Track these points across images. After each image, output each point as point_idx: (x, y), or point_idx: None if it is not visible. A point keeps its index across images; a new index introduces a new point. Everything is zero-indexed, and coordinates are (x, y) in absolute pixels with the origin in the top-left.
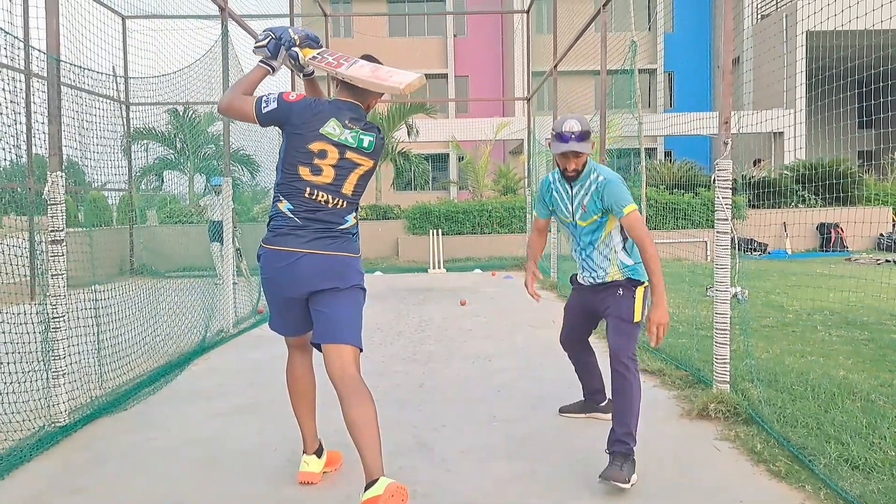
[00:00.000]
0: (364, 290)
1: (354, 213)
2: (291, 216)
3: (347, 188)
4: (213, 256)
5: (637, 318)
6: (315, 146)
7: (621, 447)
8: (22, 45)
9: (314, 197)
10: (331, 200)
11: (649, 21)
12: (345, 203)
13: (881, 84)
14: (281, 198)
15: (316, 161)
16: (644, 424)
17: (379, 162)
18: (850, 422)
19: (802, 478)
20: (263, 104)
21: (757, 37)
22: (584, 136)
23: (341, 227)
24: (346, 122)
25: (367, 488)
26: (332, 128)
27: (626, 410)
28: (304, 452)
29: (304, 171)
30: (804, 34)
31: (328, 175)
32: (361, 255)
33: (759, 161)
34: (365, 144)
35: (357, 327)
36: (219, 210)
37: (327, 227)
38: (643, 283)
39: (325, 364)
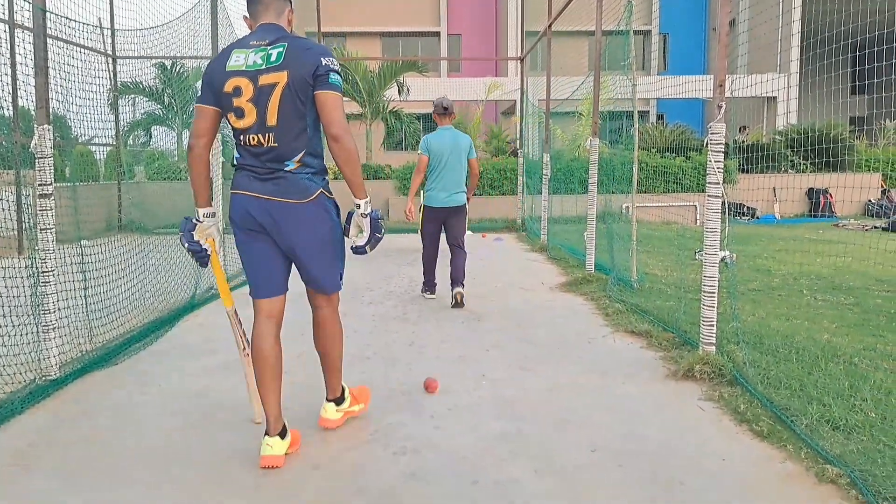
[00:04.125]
0: (329, 220)
1: (297, 158)
2: (238, 174)
3: (270, 117)
4: None
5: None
6: (228, 85)
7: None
8: None
9: (245, 143)
10: (263, 140)
11: None
12: (272, 137)
13: (875, 49)
14: (236, 146)
15: (235, 102)
16: (631, 384)
17: (300, 71)
18: (833, 384)
19: (784, 437)
20: (198, 94)
21: None
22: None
23: (285, 170)
24: (251, 42)
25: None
26: (235, 59)
27: (463, 268)
28: (266, 434)
29: (231, 118)
30: None
31: (251, 114)
32: (317, 196)
33: (745, 128)
34: (272, 58)
35: (323, 274)
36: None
37: (266, 172)
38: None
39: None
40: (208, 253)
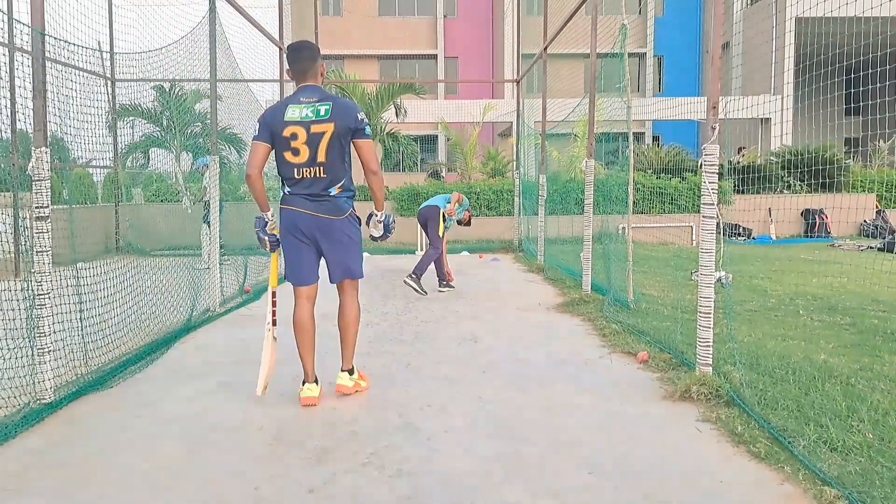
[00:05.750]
0: (356, 229)
1: (339, 185)
2: (291, 195)
3: (321, 155)
4: (202, 236)
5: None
6: (287, 132)
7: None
8: (5, 18)
9: (300, 175)
10: (309, 172)
11: (640, 5)
12: (322, 171)
13: (868, 71)
14: (283, 183)
15: (293, 144)
16: (627, 405)
17: (343, 124)
18: (830, 405)
19: (782, 459)
20: (255, 133)
21: (746, 21)
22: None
23: (330, 195)
24: (301, 100)
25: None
26: (291, 112)
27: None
28: (304, 382)
29: (288, 156)
30: (793, 20)
31: (304, 153)
32: (349, 213)
33: (742, 149)
34: (322, 113)
35: (353, 266)
36: (210, 189)
37: (315, 196)
38: None
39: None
40: (279, 242)
